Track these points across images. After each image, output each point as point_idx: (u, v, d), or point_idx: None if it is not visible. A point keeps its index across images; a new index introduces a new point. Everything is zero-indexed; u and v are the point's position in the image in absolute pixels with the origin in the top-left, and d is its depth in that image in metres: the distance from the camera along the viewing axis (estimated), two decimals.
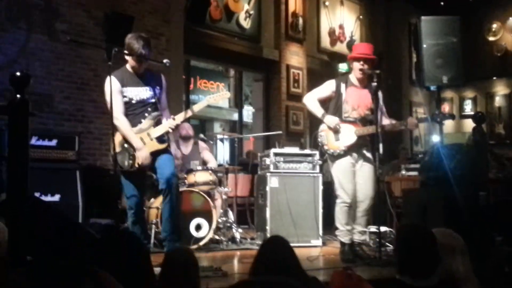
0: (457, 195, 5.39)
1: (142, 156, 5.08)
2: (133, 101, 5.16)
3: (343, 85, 5.78)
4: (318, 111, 5.82)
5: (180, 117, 5.28)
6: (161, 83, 5.36)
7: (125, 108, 5.16)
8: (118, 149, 4.90)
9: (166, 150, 5.26)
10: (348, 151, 5.71)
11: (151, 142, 5.14)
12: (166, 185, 5.13)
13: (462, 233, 3.23)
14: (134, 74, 5.23)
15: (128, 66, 5.26)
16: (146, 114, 5.18)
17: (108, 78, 4.92)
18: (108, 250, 2.47)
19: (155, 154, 5.17)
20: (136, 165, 5.09)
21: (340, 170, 5.73)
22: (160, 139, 5.19)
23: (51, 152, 6.46)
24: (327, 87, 5.88)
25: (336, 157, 5.73)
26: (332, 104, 5.84)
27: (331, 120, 5.71)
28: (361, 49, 5.93)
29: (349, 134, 5.69)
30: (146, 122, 5.15)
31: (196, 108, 5.53)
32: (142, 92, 5.20)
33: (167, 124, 5.21)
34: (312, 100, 5.87)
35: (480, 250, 4.24)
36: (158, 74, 5.47)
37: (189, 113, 5.44)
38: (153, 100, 5.22)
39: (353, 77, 5.82)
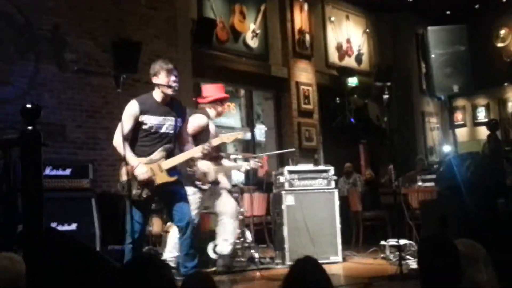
0: (474, 204, 5.33)
1: (139, 171, 4.91)
2: (152, 130, 5.04)
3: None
4: None
5: (195, 151, 5.22)
6: (184, 116, 5.29)
7: (141, 136, 5.06)
8: (125, 178, 4.76)
9: (177, 183, 5.15)
10: None
11: (161, 174, 5.00)
12: (184, 225, 5.09)
13: (482, 242, 3.18)
14: (158, 102, 5.13)
15: (154, 93, 5.17)
16: (160, 146, 5.05)
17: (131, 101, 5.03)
18: (134, 279, 2.42)
19: (165, 186, 5.05)
20: (144, 195, 4.96)
21: None
22: (171, 172, 5.07)
23: (65, 181, 6.48)
24: None
25: None
26: None
27: None
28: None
29: None
30: (157, 154, 5.02)
31: (213, 143, 5.40)
32: (162, 122, 5.08)
33: (179, 157, 5.14)
34: None
35: (501, 258, 4.17)
36: (184, 106, 5.41)
37: (205, 149, 5.25)
38: (172, 132, 5.11)
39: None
